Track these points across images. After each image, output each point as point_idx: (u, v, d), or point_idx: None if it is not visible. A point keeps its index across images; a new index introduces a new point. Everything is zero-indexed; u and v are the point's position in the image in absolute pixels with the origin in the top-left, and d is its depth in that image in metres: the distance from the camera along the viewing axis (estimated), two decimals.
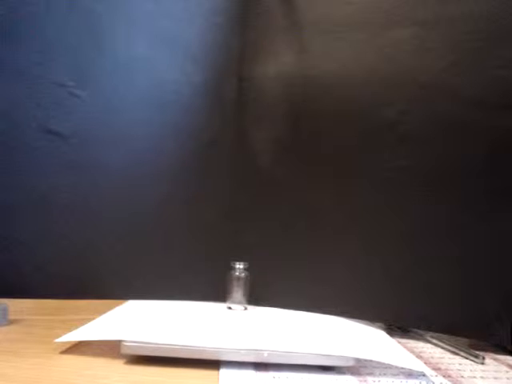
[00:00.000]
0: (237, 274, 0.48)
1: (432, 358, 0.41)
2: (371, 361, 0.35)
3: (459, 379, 0.36)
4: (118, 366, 0.35)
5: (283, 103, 0.48)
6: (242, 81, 0.49)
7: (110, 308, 0.45)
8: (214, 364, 0.36)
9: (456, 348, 0.42)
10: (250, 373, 0.35)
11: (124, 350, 0.35)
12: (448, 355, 0.42)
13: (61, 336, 0.37)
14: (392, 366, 0.35)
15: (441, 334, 0.45)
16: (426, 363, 0.38)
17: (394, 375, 0.36)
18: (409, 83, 0.45)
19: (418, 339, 0.46)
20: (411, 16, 0.44)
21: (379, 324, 0.47)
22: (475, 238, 0.43)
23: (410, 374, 0.36)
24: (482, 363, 0.40)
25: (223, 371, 0.35)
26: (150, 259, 0.49)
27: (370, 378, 0.35)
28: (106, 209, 0.48)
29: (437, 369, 0.38)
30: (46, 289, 0.47)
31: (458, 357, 0.41)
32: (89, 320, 0.40)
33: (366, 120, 0.46)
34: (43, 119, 0.47)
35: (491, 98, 0.42)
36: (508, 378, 0.37)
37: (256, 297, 0.48)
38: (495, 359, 0.41)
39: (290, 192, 0.49)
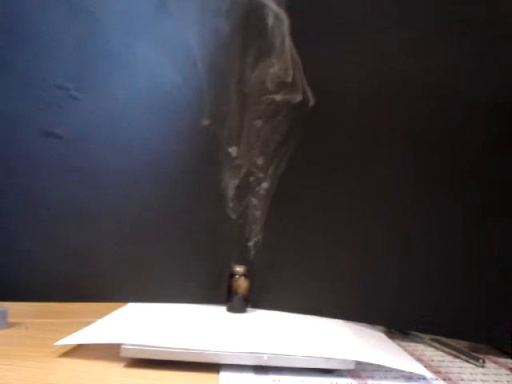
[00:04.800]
0: (237, 276, 0.48)
1: (432, 361, 0.41)
2: (371, 364, 0.35)
3: (459, 382, 0.36)
4: (118, 370, 0.35)
5: (284, 106, 0.48)
6: (242, 84, 0.49)
7: (109, 311, 0.44)
8: (213, 367, 0.35)
9: (456, 351, 0.42)
10: (250, 376, 0.35)
11: (123, 353, 0.35)
12: (448, 358, 0.42)
13: (60, 339, 0.37)
14: (392, 369, 0.35)
15: (441, 337, 0.45)
16: (426, 366, 0.37)
17: (395, 378, 0.35)
18: (408, 84, 0.45)
19: (418, 342, 0.46)
20: (411, 18, 0.45)
21: (379, 327, 0.47)
22: (475, 240, 0.43)
23: (410, 377, 0.36)
24: (483, 366, 0.40)
25: (223, 374, 0.35)
26: (150, 262, 0.49)
27: (370, 381, 0.35)
28: (106, 211, 0.48)
29: (437, 372, 0.38)
30: (46, 292, 0.47)
31: (458, 360, 0.41)
32: (88, 323, 0.40)
33: (366, 122, 0.46)
34: (42, 122, 0.47)
35: (492, 98, 0.42)
36: (509, 382, 0.37)
37: (256, 300, 0.48)
38: (496, 362, 0.41)
39: (291, 195, 0.49)
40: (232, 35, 0.48)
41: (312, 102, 0.46)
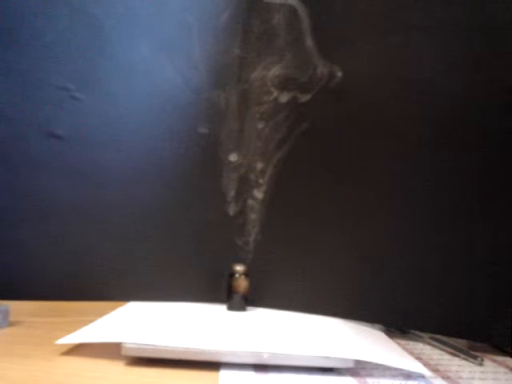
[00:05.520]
0: (237, 275, 0.48)
1: (431, 359, 0.41)
2: (370, 362, 0.35)
3: (458, 380, 0.36)
4: (119, 368, 0.35)
5: (284, 106, 0.48)
6: (243, 85, 0.49)
7: (110, 310, 0.45)
8: (213, 365, 0.36)
9: (455, 349, 0.43)
10: (250, 374, 0.35)
11: (124, 352, 0.35)
12: (447, 357, 0.42)
13: (61, 338, 0.37)
14: (391, 367, 0.35)
15: (440, 336, 0.45)
16: (425, 364, 0.38)
17: (393, 376, 0.36)
18: (408, 85, 0.45)
19: (417, 340, 0.46)
20: (411, 19, 0.45)
21: (378, 325, 0.47)
22: (475, 239, 0.43)
23: (409, 375, 0.36)
24: (481, 365, 0.40)
25: (223, 373, 0.35)
26: (151, 261, 0.49)
27: (369, 380, 0.35)
28: (107, 211, 0.48)
29: (436, 370, 0.38)
30: (47, 291, 0.47)
31: (456, 358, 0.42)
32: (90, 322, 0.41)
33: (365, 122, 0.46)
34: (44, 122, 0.47)
35: (491, 99, 0.42)
36: (507, 380, 0.37)
37: (256, 298, 0.48)
38: (494, 361, 0.41)
39: (291, 193, 0.49)
40: (233, 32, 0.48)
41: (340, 73, 0.45)
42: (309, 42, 0.46)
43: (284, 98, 0.48)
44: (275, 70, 0.48)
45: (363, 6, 0.45)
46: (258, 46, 0.48)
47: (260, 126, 0.48)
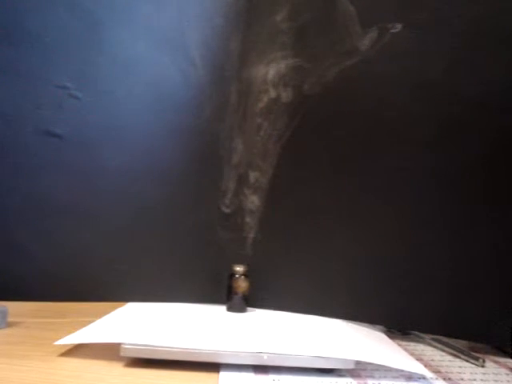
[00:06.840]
0: (236, 276, 0.48)
1: (432, 360, 0.41)
2: (371, 363, 0.35)
3: (459, 382, 0.36)
4: (117, 369, 0.35)
5: (283, 103, 0.48)
6: (242, 82, 0.49)
7: (109, 310, 0.44)
8: (213, 367, 0.35)
9: (456, 351, 0.42)
10: (250, 375, 0.35)
11: (123, 353, 0.35)
12: (448, 358, 0.42)
13: (60, 339, 0.37)
14: (392, 368, 0.35)
15: (441, 337, 0.45)
16: (426, 366, 0.37)
17: (395, 378, 0.35)
18: (409, 83, 0.45)
19: (418, 342, 0.46)
20: (411, 17, 0.45)
21: (379, 326, 0.47)
22: (475, 239, 0.43)
23: (410, 376, 0.36)
24: (483, 366, 0.40)
25: (223, 374, 0.35)
26: (150, 261, 0.49)
27: (370, 381, 0.35)
28: (106, 211, 0.48)
29: (437, 371, 0.38)
30: (46, 292, 0.47)
31: (458, 359, 0.41)
32: (88, 322, 0.40)
33: (366, 120, 0.46)
34: (43, 121, 0.47)
35: (491, 98, 0.42)
36: (508, 381, 0.37)
37: (255, 299, 0.48)
38: (495, 362, 0.41)
39: (291, 193, 0.49)
40: (234, 28, 0.48)
41: (399, 26, 0.44)
42: (349, 7, 0.44)
43: (285, 93, 0.48)
44: (277, 66, 0.47)
45: None
46: (259, 41, 0.48)
47: (260, 121, 0.48)
